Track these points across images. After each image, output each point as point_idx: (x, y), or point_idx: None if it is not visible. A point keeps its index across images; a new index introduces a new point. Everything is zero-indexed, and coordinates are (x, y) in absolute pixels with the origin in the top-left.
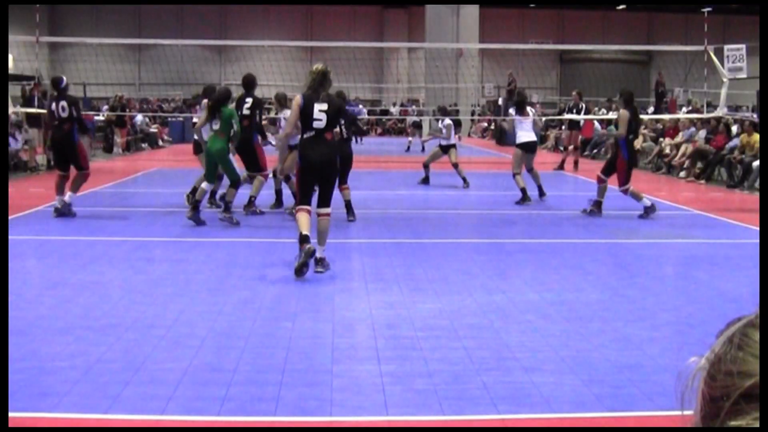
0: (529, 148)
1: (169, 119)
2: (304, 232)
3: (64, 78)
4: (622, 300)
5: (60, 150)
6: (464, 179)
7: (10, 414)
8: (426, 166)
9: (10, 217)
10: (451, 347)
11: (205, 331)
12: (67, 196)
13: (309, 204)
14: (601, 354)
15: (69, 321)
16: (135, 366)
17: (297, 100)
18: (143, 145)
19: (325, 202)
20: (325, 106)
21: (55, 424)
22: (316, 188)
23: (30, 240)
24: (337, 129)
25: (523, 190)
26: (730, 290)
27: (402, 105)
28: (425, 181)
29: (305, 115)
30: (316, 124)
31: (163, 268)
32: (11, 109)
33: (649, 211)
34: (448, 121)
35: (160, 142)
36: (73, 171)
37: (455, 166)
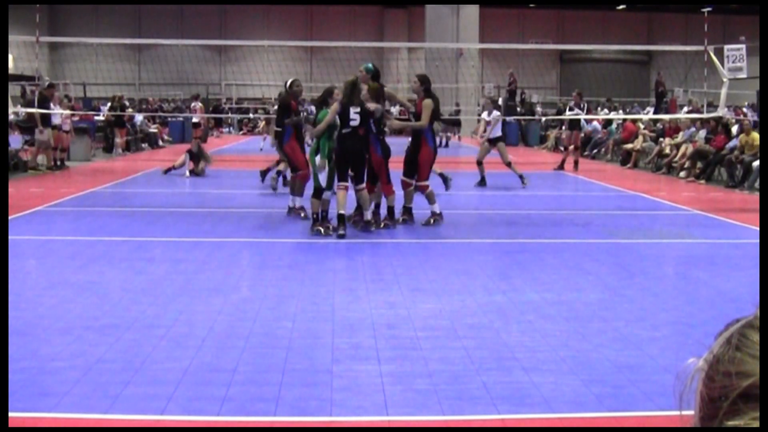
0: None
1: (169, 119)
2: (341, 211)
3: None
4: (622, 300)
5: None
6: (521, 177)
7: (10, 414)
8: (479, 164)
9: (10, 217)
10: (451, 347)
11: (205, 331)
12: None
13: (346, 181)
14: (600, 354)
15: (69, 321)
16: (135, 366)
17: (335, 106)
18: (143, 145)
19: (359, 180)
20: (359, 109)
21: (55, 424)
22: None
23: (30, 240)
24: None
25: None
26: (730, 290)
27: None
28: (482, 182)
29: (343, 116)
30: (352, 123)
31: (163, 268)
32: (11, 109)
33: (436, 218)
34: (496, 113)
35: (160, 142)
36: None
37: (508, 165)
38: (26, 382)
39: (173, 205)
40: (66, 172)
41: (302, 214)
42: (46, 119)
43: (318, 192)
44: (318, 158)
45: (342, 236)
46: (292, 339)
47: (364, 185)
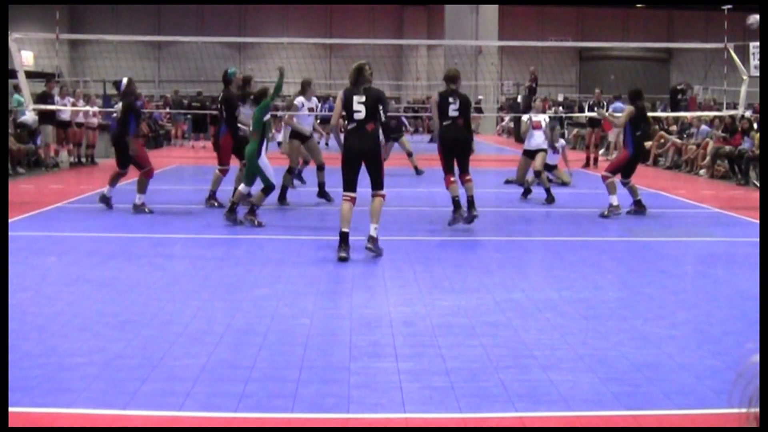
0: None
1: (188, 116)
2: (344, 230)
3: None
4: (641, 298)
5: None
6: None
7: (28, 409)
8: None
9: (30, 214)
10: (468, 345)
11: (222, 327)
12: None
13: (352, 191)
14: (619, 352)
15: (88, 317)
16: (153, 362)
17: (339, 95)
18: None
19: (377, 185)
20: (363, 98)
21: (73, 420)
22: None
23: (49, 236)
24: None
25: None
26: (750, 289)
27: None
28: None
29: (347, 108)
30: (356, 116)
31: (182, 264)
32: (31, 106)
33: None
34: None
35: (180, 141)
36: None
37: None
38: (45, 378)
39: (192, 202)
40: (86, 169)
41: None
42: (50, 115)
43: (269, 189)
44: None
45: (344, 259)
46: (310, 336)
47: (382, 191)
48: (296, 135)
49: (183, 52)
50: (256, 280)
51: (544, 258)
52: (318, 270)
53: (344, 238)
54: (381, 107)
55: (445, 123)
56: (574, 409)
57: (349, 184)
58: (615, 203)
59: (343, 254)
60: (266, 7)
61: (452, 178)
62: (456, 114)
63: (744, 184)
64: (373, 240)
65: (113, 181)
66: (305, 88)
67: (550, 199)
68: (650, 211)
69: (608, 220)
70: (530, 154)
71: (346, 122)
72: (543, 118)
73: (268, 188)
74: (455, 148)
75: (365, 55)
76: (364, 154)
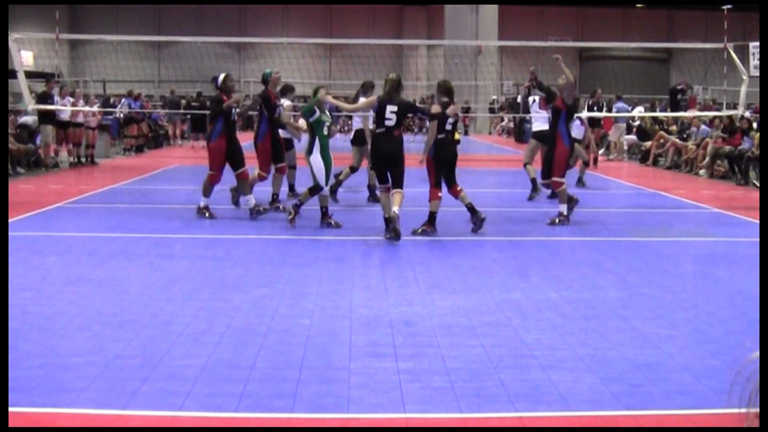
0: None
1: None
2: (386, 215)
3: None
4: (641, 298)
5: None
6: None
7: (28, 409)
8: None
9: (30, 214)
10: (468, 345)
11: (222, 327)
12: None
13: (386, 183)
14: (619, 352)
15: (88, 317)
16: (153, 362)
17: (373, 99)
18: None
19: (396, 184)
20: (395, 108)
21: (73, 420)
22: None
23: (49, 236)
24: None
25: (534, 181)
26: (750, 289)
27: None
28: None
29: (379, 114)
30: (387, 123)
31: (182, 264)
32: (31, 106)
33: (562, 219)
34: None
35: (180, 141)
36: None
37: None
38: (45, 378)
39: (192, 202)
40: (86, 169)
41: (207, 214)
42: (49, 115)
43: (317, 189)
44: (315, 155)
45: (392, 238)
46: (310, 336)
47: (401, 189)
48: (360, 136)
49: (183, 52)
50: (256, 280)
51: (544, 258)
52: (318, 270)
53: (387, 221)
54: (414, 113)
55: (440, 136)
56: (574, 409)
57: (383, 179)
58: (566, 212)
59: (389, 235)
60: (266, 7)
61: (439, 194)
62: (450, 128)
63: (744, 184)
64: (395, 218)
65: (244, 186)
66: (368, 90)
67: (533, 191)
68: (650, 211)
69: (608, 220)
70: (534, 137)
71: (375, 126)
72: (535, 97)
73: (315, 188)
74: (449, 162)
75: (365, 54)
76: (388, 156)
